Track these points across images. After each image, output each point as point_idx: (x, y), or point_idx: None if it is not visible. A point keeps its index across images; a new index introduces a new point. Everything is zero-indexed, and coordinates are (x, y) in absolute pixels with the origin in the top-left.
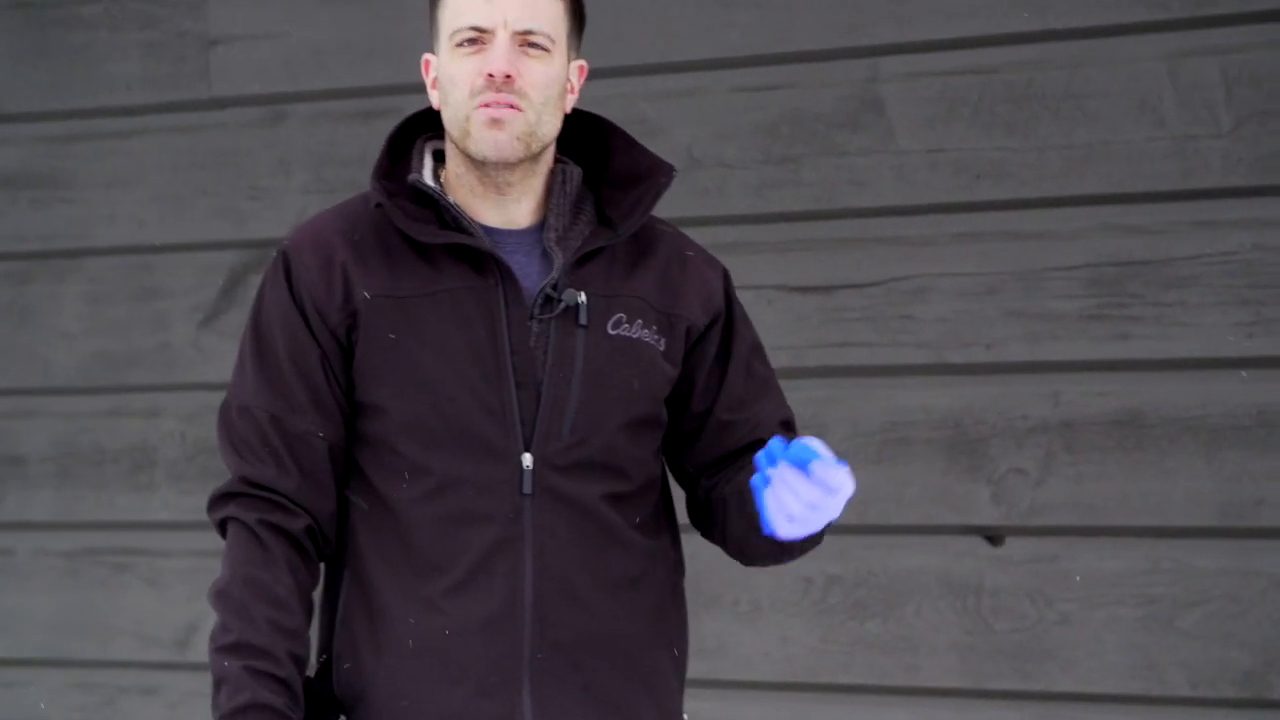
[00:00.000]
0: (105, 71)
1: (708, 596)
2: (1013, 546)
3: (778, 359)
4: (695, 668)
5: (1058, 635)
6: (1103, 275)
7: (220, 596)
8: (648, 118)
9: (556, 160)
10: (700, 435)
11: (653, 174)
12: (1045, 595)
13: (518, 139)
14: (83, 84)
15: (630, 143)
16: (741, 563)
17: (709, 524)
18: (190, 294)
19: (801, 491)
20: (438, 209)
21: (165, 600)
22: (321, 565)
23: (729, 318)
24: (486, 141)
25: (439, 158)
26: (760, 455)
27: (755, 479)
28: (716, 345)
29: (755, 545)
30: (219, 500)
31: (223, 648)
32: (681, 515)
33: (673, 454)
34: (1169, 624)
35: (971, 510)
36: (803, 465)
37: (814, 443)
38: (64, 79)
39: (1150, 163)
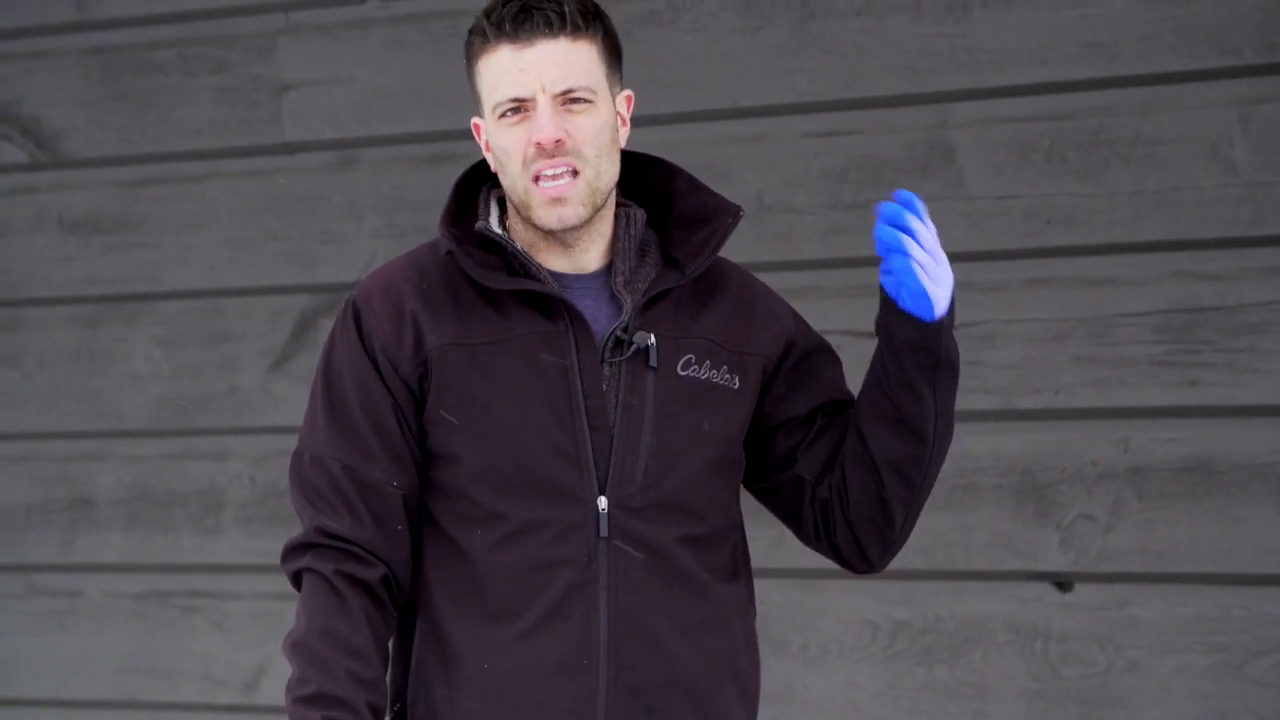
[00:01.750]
0: (177, 116)
1: (775, 640)
2: (1081, 593)
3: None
4: (762, 712)
5: (1126, 682)
6: (1173, 321)
7: (297, 648)
8: (717, 163)
9: (620, 203)
10: (815, 441)
11: (720, 214)
12: (1114, 642)
13: (582, 205)
14: (155, 128)
15: (695, 184)
16: (882, 539)
17: (842, 511)
18: (260, 338)
19: (926, 241)
20: (505, 255)
21: (233, 643)
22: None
23: (805, 338)
24: (550, 217)
25: (503, 204)
26: (884, 233)
27: (895, 263)
28: (799, 365)
29: (903, 437)
30: (294, 551)
31: (301, 699)
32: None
33: (784, 475)
34: (1239, 672)
35: (1040, 556)
36: (910, 205)
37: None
38: (136, 123)
39: (1221, 209)
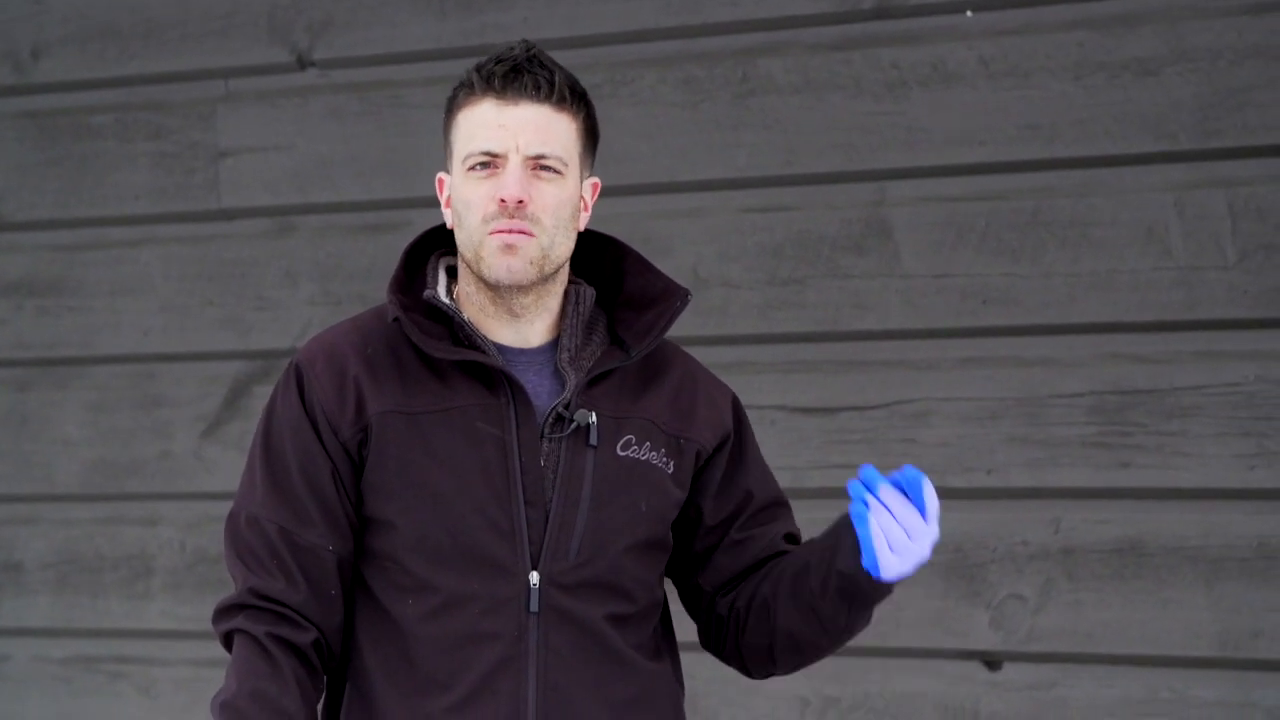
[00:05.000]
0: (114, 181)
1: (705, 716)
2: (1010, 672)
3: (779, 479)
4: None
5: None
6: (1105, 403)
7: (226, 709)
8: (655, 236)
9: (570, 280)
10: (715, 553)
11: (668, 297)
12: None
13: (531, 263)
14: (91, 193)
15: (645, 266)
16: (768, 670)
17: (735, 637)
18: (193, 404)
19: (902, 515)
20: (451, 325)
21: (159, 709)
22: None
23: (739, 439)
24: (500, 267)
25: (452, 273)
26: (853, 485)
27: (853, 509)
28: (726, 467)
29: (810, 627)
30: (226, 611)
31: None
32: (682, 635)
33: (686, 575)
34: None
35: (970, 635)
36: (914, 485)
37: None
38: (72, 188)
39: (1155, 292)
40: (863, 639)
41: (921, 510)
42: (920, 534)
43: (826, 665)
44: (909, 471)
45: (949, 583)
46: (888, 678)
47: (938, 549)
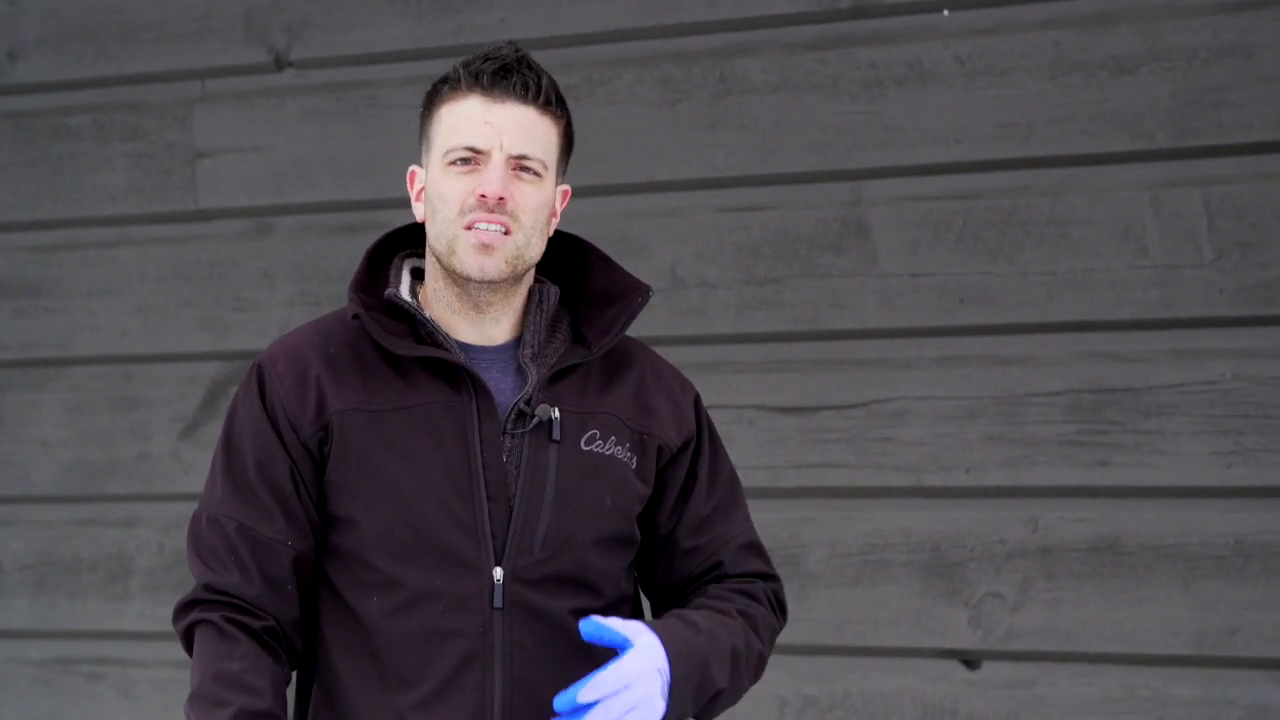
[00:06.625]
0: (91, 182)
1: None
2: (989, 670)
3: (756, 479)
4: None
5: None
6: (1083, 402)
7: (193, 699)
8: (632, 236)
9: (535, 279)
10: (663, 558)
11: (629, 293)
12: None
13: (505, 262)
14: (68, 194)
15: (607, 262)
16: None
17: None
18: (171, 405)
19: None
20: (413, 324)
21: (138, 711)
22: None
23: (699, 442)
24: (472, 264)
25: (416, 275)
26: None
27: None
28: (685, 469)
29: None
30: (183, 609)
31: None
32: None
33: (647, 574)
34: None
35: (948, 633)
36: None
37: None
38: (49, 188)
39: (1132, 291)
40: (841, 637)
41: (619, 688)
42: (631, 704)
43: (805, 665)
44: (586, 628)
45: (927, 582)
46: (866, 677)
47: (917, 548)
